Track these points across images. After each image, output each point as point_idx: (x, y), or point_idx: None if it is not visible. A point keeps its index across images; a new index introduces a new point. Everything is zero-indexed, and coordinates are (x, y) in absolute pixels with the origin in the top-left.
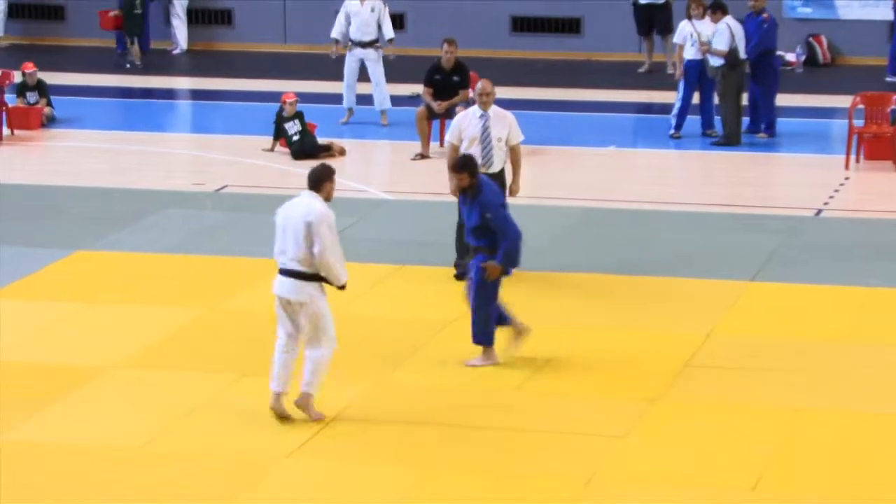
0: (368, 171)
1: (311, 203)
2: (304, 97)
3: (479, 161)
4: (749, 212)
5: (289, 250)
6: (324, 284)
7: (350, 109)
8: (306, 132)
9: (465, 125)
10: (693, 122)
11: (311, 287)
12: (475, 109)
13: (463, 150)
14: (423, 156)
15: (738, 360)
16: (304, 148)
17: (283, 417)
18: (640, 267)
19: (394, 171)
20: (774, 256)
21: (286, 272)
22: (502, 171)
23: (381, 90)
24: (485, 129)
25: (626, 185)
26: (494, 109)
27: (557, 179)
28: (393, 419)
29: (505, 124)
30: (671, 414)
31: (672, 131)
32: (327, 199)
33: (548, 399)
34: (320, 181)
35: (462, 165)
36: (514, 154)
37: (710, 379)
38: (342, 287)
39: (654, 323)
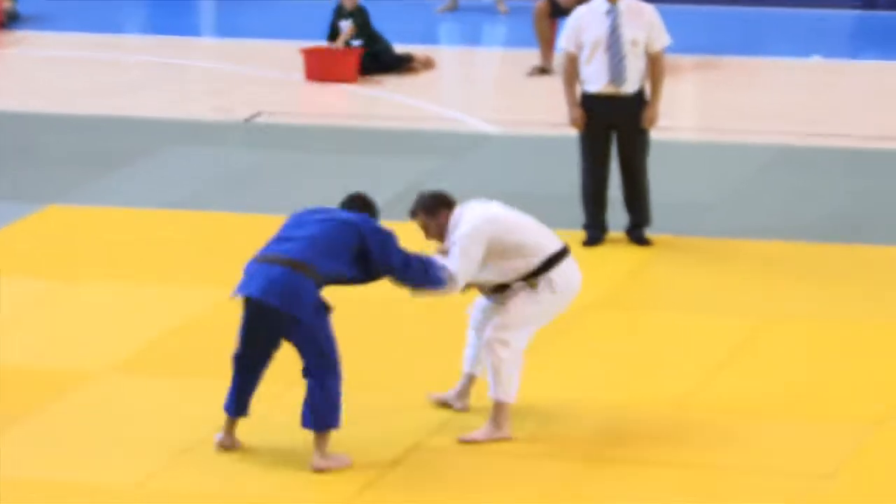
0: (465, 92)
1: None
2: None
3: (608, 76)
4: None
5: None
6: None
7: None
8: (375, 36)
9: (584, 24)
10: None
11: None
12: (600, 2)
13: (584, 59)
14: (542, 70)
15: None
16: (376, 59)
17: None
18: (861, 231)
19: (501, 93)
20: None
21: None
22: (640, 91)
23: None
24: (613, 30)
25: (839, 112)
26: (627, 2)
27: (739, 105)
28: (505, 448)
29: (643, 23)
30: None
31: None
32: None
33: (726, 422)
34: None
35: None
36: (655, 66)
37: None
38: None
39: (879, 312)
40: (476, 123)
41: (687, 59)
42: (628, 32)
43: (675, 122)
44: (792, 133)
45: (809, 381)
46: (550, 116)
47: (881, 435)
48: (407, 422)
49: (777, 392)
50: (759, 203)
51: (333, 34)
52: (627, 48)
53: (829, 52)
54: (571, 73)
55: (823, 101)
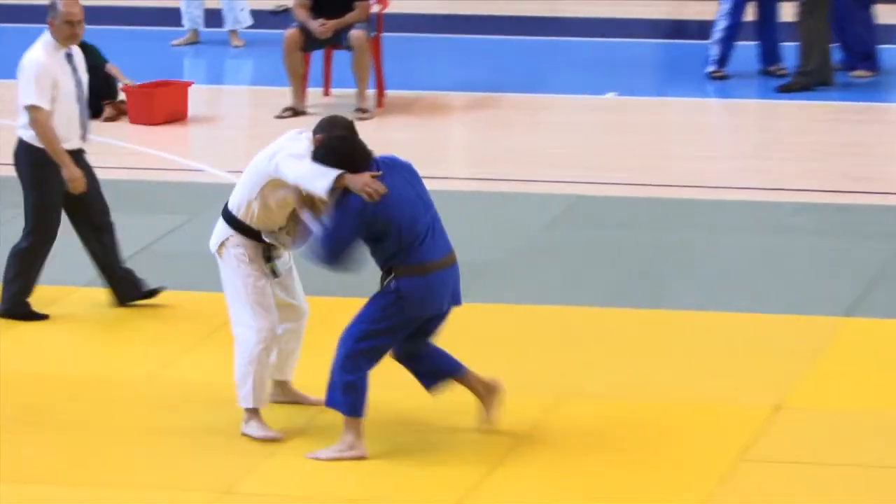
0: (207, 138)
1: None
2: (98, 15)
3: (80, 131)
4: (843, 200)
5: None
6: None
7: (194, 31)
8: (99, 72)
9: (54, 73)
10: (745, 52)
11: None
12: (52, 47)
13: (59, 112)
14: (294, 110)
15: (821, 451)
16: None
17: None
18: (664, 294)
19: (247, 138)
20: (886, 274)
21: None
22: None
23: (234, 2)
24: (77, 77)
25: (638, 157)
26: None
27: (521, 149)
28: None
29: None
30: None
31: (712, 68)
32: None
33: None
34: None
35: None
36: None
37: (776, 480)
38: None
39: (689, 389)
40: (219, 173)
41: (459, 97)
42: (84, 79)
43: (446, 169)
44: (586, 181)
45: (613, 465)
46: None
47: None
48: None
49: (576, 476)
50: (552, 262)
51: None
52: (85, 98)
53: (625, 88)
54: (52, 129)
55: (619, 143)
